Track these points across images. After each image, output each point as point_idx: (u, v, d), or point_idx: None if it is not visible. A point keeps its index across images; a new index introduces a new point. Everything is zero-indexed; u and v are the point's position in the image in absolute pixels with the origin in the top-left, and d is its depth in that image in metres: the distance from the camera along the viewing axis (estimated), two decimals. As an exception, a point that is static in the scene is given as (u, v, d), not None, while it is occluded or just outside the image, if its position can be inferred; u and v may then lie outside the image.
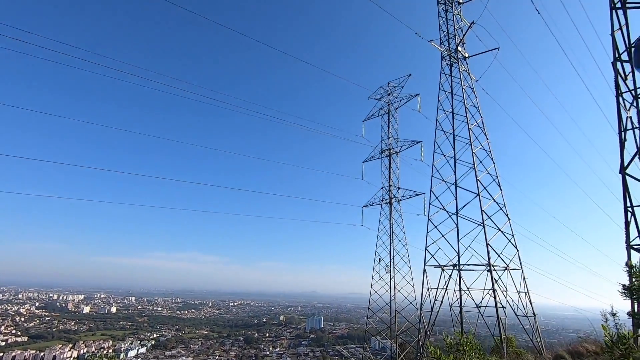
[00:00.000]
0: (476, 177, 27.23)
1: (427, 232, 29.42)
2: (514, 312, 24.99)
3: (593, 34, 28.95)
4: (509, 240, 26.91)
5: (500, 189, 28.16)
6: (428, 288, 29.20)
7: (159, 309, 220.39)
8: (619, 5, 16.67)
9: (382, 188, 47.16)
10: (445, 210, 28.74)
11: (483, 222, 25.85)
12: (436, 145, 30.71)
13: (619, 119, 16.02)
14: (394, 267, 44.72)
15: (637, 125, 15.79)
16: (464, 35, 31.64)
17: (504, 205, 27.67)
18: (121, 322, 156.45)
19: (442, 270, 28.44)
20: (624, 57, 16.64)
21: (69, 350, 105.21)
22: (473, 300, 25.81)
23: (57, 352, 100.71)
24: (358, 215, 47.98)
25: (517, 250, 26.81)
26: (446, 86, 31.44)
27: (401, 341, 44.78)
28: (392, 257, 45.00)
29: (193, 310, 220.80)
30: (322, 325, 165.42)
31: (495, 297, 24.11)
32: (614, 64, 16.39)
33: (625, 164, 15.45)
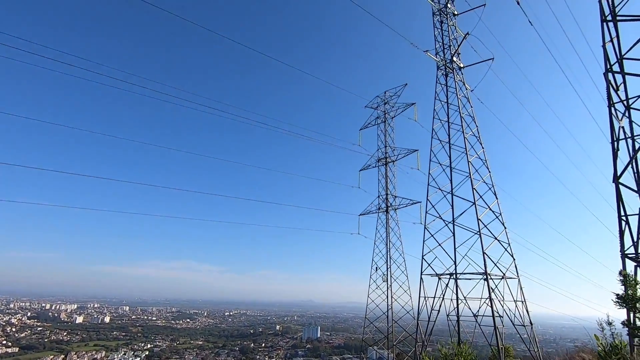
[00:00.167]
0: (472, 186, 27.37)
1: (424, 241, 29.45)
2: (511, 321, 24.92)
3: (586, 45, 29.48)
4: (505, 249, 26.99)
5: (496, 198, 28.32)
6: (425, 297, 29.11)
7: (154, 318, 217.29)
8: (609, 18, 17.05)
9: (378, 196, 47.25)
10: (441, 218, 28.81)
11: (479, 231, 25.92)
12: (432, 154, 30.93)
13: (612, 129, 16.25)
14: (390, 276, 44.56)
15: (630, 135, 16.02)
16: (458, 46, 32.09)
17: (500, 213, 27.80)
18: (115, 332, 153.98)
19: (439, 279, 28.39)
20: (616, 68, 16.96)
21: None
22: (470, 309, 25.72)
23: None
24: (355, 224, 47.89)
25: (514, 259, 26.88)
26: (442, 96, 31.80)
27: (398, 351, 44.37)
28: (389, 266, 44.87)
29: (188, 320, 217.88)
30: (318, 335, 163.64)
31: (492, 307, 24.04)
32: (605, 75, 16.69)
33: (619, 173, 15.63)
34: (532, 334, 24.70)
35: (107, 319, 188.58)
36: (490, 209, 27.59)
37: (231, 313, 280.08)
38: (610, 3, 17.56)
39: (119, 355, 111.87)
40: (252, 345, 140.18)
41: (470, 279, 26.85)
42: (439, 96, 32.03)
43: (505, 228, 27.40)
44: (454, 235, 27.47)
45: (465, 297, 26.25)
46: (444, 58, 32.34)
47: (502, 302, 24.91)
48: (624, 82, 16.83)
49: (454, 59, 32.00)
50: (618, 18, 17.19)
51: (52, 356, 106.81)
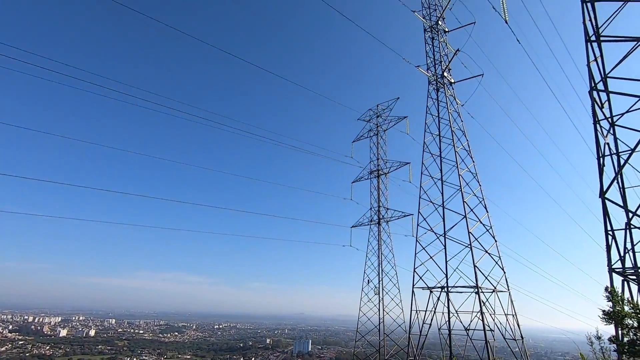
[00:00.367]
0: (463, 199, 27.64)
1: (416, 254, 29.49)
2: (502, 335, 24.91)
3: (572, 63, 30.39)
4: (496, 262, 27.14)
5: (487, 211, 28.60)
6: (417, 310, 28.99)
7: (141, 332, 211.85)
8: (593, 38, 17.65)
9: (371, 208, 47.36)
10: (433, 231, 28.94)
11: (470, 244, 26.08)
12: (424, 167, 31.26)
13: (597, 145, 16.66)
14: (382, 289, 44.37)
15: (615, 152, 16.44)
16: (449, 62, 32.80)
17: (491, 227, 28.04)
18: (100, 346, 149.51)
19: (431, 292, 28.35)
20: (600, 86, 17.49)
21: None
22: (461, 323, 25.67)
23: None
24: (347, 236, 47.82)
25: (504, 272, 27.01)
26: (433, 110, 32.32)
27: (390, 365, 43.84)
28: (380, 279, 44.72)
29: (176, 333, 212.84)
30: (309, 349, 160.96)
31: (483, 320, 24.04)
32: (590, 93, 17.19)
33: (605, 189, 15.96)
34: (523, 348, 24.69)
35: (92, 332, 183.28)
36: (481, 222, 27.83)
37: (221, 326, 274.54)
38: (594, 24, 18.22)
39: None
40: (242, 359, 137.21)
41: (461, 292, 26.87)
42: (430, 110, 32.56)
43: (495, 241, 27.62)
44: (445, 248, 27.58)
45: (456, 311, 26.22)
46: (435, 73, 32.99)
47: (493, 316, 24.94)
48: (609, 100, 17.35)
49: (445, 74, 32.67)
50: (602, 39, 17.81)
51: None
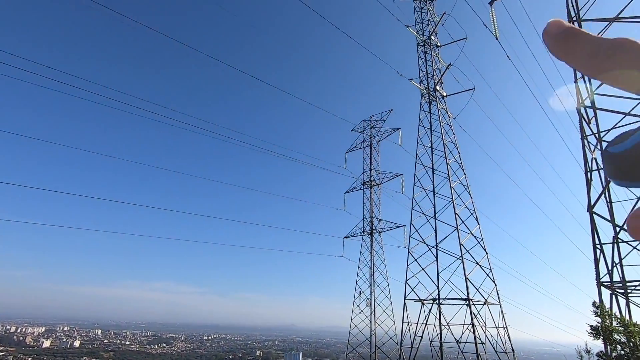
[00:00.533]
0: (454, 211, 27.84)
1: (407, 265, 29.49)
2: (494, 348, 24.86)
3: (561, 79, 31.12)
4: (487, 275, 27.24)
5: (478, 223, 28.81)
6: (408, 323, 28.85)
7: (127, 343, 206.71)
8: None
9: (363, 219, 47.37)
10: (424, 243, 29.03)
11: (462, 256, 26.18)
12: (416, 179, 31.49)
13: (585, 160, 17.00)
14: (374, 300, 44.11)
15: (602, 167, 16.77)
16: (441, 76, 33.39)
17: (482, 239, 28.22)
18: (84, 358, 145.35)
19: (422, 304, 28.28)
20: (588, 103, 17.92)
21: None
22: (453, 335, 25.61)
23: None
24: (339, 247, 47.63)
25: (495, 285, 27.09)
26: (425, 122, 32.76)
27: (381, 379, 43.33)
28: (372, 290, 44.49)
29: (164, 345, 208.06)
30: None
31: (474, 333, 24.01)
32: (578, 110, 17.60)
33: (593, 203, 16.23)
34: (514, 362, 24.66)
35: (77, 343, 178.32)
36: (472, 234, 28.01)
37: (210, 337, 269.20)
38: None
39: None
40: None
41: (452, 305, 26.86)
42: (422, 123, 32.99)
43: (487, 253, 27.77)
44: (437, 260, 27.65)
45: (448, 323, 26.17)
46: (427, 86, 33.52)
47: (484, 329, 24.93)
48: (595, 116, 17.78)
49: (437, 87, 33.21)
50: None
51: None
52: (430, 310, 27.52)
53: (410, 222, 30.59)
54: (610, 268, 15.19)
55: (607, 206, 16.23)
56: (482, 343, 23.95)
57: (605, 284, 14.89)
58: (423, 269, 28.40)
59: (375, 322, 43.45)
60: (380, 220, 46.46)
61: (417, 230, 29.95)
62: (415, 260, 29.03)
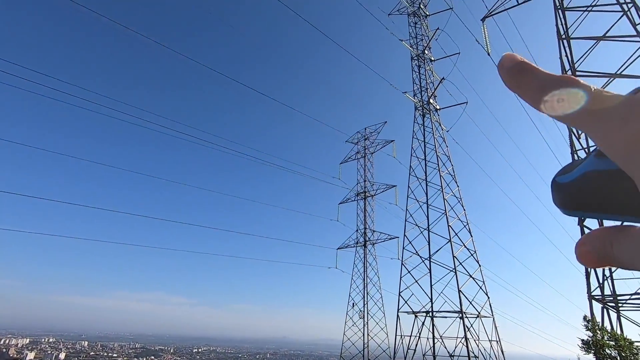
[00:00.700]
0: (447, 223, 27.97)
1: (401, 277, 29.41)
2: (487, 361, 24.74)
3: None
4: (480, 287, 27.25)
5: (471, 236, 28.94)
6: (401, 335, 28.64)
7: (114, 355, 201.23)
8: (569, 73, 18.63)
9: (357, 230, 47.30)
10: (418, 255, 29.04)
11: (455, 268, 26.20)
12: (410, 191, 31.68)
13: (575, 174, 17.26)
14: (367, 313, 43.77)
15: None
16: (435, 89, 33.92)
17: (475, 251, 28.31)
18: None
19: (416, 316, 28.13)
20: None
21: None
22: (446, 348, 25.45)
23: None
24: (332, 258, 47.33)
25: (488, 297, 27.10)
26: (419, 135, 33.11)
27: (374, 393, 42.70)
28: (365, 302, 44.18)
29: (152, 358, 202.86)
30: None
31: (467, 346, 23.89)
32: (569, 126, 17.96)
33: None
34: (507, 376, 24.52)
35: (62, 356, 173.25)
36: (465, 247, 28.10)
37: (200, 350, 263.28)
38: (570, 59, 19.30)
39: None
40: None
41: (446, 317, 26.76)
42: (416, 135, 33.35)
43: (480, 266, 27.84)
44: (430, 272, 27.63)
45: (441, 336, 26.03)
46: (421, 100, 34.01)
47: (477, 342, 24.82)
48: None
49: (431, 101, 33.69)
50: (577, 74, 18.82)
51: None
52: (423, 322, 27.39)
53: (403, 233, 30.68)
54: (601, 282, 15.32)
55: (598, 220, 16.43)
56: (475, 356, 23.83)
57: (597, 297, 14.99)
58: (416, 281, 28.35)
59: (368, 334, 43.02)
60: (374, 231, 46.44)
61: (410, 242, 30.01)
62: (409, 272, 29.00)
